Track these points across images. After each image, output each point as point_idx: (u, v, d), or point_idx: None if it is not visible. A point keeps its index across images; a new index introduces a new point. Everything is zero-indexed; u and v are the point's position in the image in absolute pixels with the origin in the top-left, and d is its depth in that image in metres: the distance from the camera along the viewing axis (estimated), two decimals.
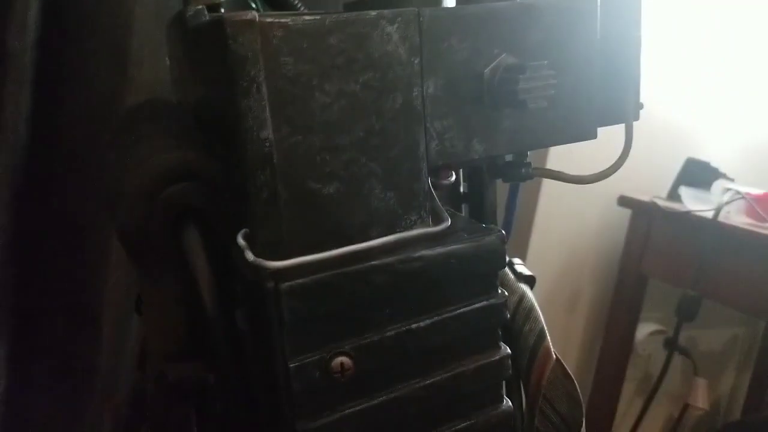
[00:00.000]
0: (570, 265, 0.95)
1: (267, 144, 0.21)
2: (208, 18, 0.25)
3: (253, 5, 0.39)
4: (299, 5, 0.40)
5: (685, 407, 1.05)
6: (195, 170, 0.24)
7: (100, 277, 0.53)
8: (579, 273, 0.97)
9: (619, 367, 0.98)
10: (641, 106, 0.33)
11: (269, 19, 0.20)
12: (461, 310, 0.25)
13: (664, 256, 0.90)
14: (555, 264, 0.94)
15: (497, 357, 0.26)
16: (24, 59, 0.48)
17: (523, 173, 0.29)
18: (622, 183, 0.94)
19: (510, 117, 0.25)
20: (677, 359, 1.03)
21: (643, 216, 0.90)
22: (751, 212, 0.80)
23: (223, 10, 0.28)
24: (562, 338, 1.00)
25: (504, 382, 0.27)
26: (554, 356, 0.34)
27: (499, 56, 0.25)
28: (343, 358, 0.22)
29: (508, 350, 0.27)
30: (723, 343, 1.19)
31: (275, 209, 0.21)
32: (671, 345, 0.93)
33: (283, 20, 0.20)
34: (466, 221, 0.27)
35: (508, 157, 0.33)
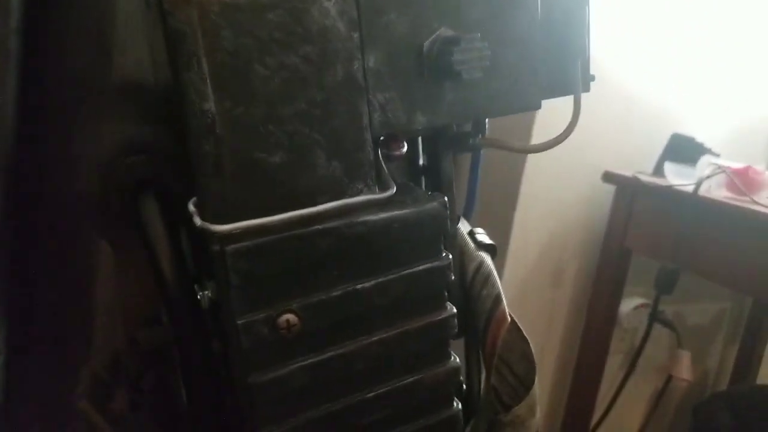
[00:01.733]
0: (554, 240, 0.96)
1: (209, 116, 0.22)
2: None
3: None
4: None
5: (669, 378, 1.08)
6: (150, 143, 0.25)
7: (89, 248, 0.55)
8: (563, 247, 0.98)
9: (604, 340, 1.00)
10: (592, 78, 0.34)
11: None
12: (406, 271, 0.27)
13: (647, 230, 0.91)
14: (540, 238, 0.95)
15: (442, 317, 0.28)
16: (8, 44, 0.49)
17: (472, 144, 0.31)
18: (608, 159, 0.94)
19: (451, 89, 0.27)
20: (662, 333, 1.05)
21: (627, 191, 0.91)
22: (731, 186, 0.81)
23: None
24: (547, 312, 1.02)
25: (449, 340, 0.29)
26: (509, 318, 0.36)
27: (438, 30, 0.26)
28: (289, 316, 0.24)
29: (454, 310, 0.28)
30: (711, 317, 1.21)
31: (220, 177, 0.23)
32: (651, 317, 0.96)
33: None
34: (413, 189, 0.28)
35: (467, 127, 0.34)
